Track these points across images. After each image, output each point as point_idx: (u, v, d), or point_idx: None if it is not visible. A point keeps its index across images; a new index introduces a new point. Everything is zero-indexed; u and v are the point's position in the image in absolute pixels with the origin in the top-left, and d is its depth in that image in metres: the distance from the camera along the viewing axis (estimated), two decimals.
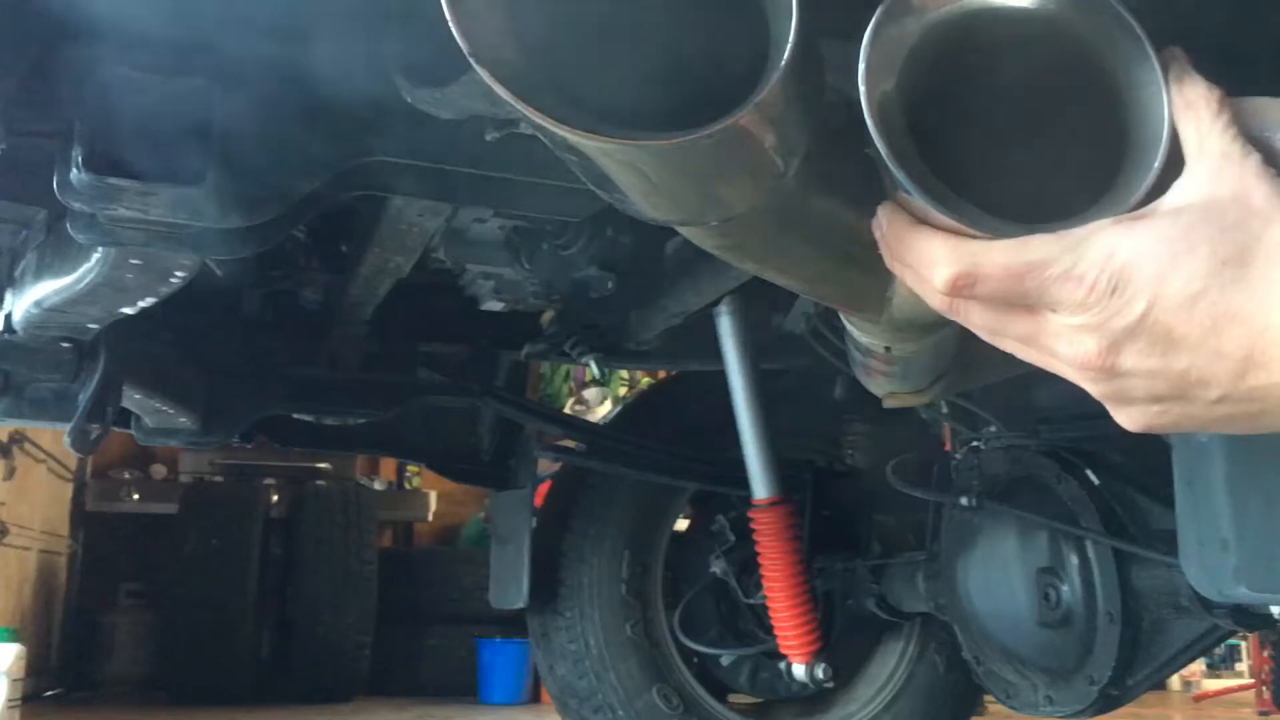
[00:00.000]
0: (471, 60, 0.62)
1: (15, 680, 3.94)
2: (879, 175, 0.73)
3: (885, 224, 0.70)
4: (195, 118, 1.11)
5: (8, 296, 1.58)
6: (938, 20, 0.67)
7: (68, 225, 1.17)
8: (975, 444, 2.04)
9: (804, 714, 2.77)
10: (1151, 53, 0.67)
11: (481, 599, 3.03)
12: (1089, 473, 1.75)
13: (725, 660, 2.69)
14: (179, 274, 1.31)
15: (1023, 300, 0.65)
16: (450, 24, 0.63)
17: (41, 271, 1.43)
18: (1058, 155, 0.74)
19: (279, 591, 5.72)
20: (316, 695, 5.48)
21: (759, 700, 2.81)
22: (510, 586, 2.51)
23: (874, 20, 0.66)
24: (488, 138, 1.22)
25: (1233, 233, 0.61)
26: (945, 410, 2.19)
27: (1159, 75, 0.67)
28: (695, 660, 2.67)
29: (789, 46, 0.64)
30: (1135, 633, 1.68)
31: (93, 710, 5.43)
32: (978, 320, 0.68)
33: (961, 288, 0.66)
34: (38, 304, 1.45)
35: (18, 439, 5.07)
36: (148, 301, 1.39)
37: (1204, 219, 0.62)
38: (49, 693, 5.76)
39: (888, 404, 1.45)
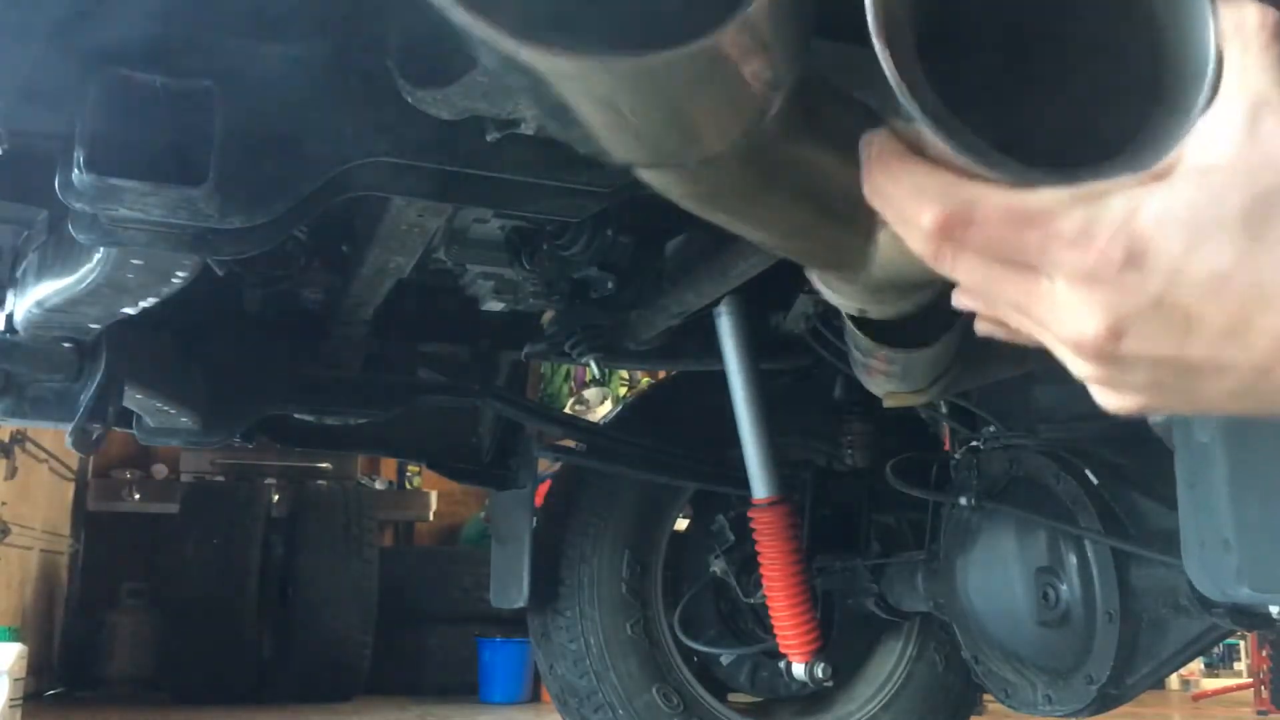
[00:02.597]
0: None
1: (16, 679, 3.95)
2: (875, 109, 0.64)
3: (874, 151, 0.60)
4: (196, 118, 1.11)
5: (9, 296, 1.59)
6: None
7: (69, 225, 1.17)
8: (975, 444, 2.04)
9: (803, 713, 2.78)
10: None
11: (482, 598, 3.03)
12: (1088, 472, 1.75)
13: (725, 659, 2.69)
14: (180, 274, 1.32)
15: (1021, 256, 0.56)
16: None
17: (43, 272, 1.43)
18: (1087, 90, 0.64)
19: (279, 591, 5.72)
20: (316, 695, 5.48)
21: (758, 699, 2.82)
22: (510, 586, 2.52)
23: None
24: (488, 138, 1.23)
25: (1269, 202, 0.51)
26: (945, 410, 2.19)
27: (1205, 1, 0.56)
28: (695, 659, 2.68)
29: None
30: (1134, 632, 1.68)
31: (94, 709, 5.43)
32: (965, 275, 0.59)
33: (952, 229, 0.56)
34: (39, 304, 1.45)
35: (19, 439, 5.08)
36: (149, 301, 1.39)
37: (1237, 182, 0.52)
38: (50, 692, 5.77)
39: (887, 404, 1.45)
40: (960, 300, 0.62)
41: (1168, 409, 0.59)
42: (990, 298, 0.59)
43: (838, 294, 0.95)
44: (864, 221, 0.69)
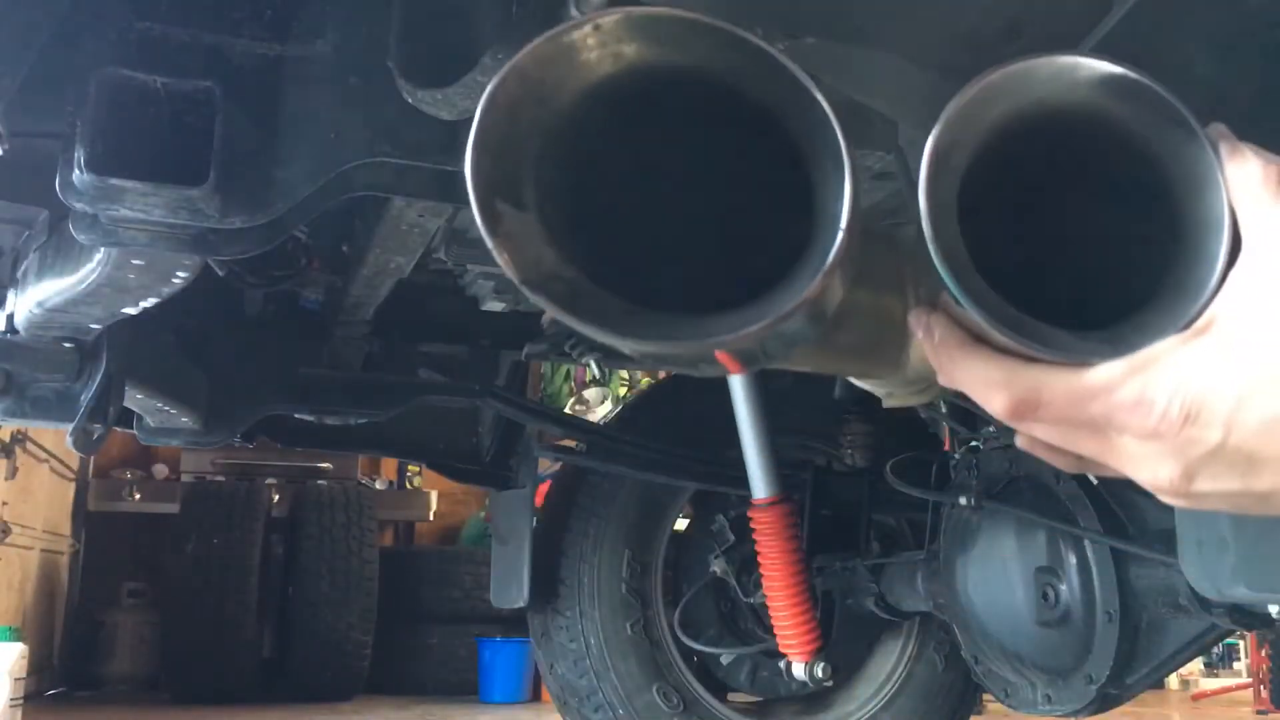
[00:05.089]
0: (524, 289, 0.63)
1: (17, 679, 3.94)
2: (920, 277, 0.73)
3: (937, 339, 0.67)
4: (196, 118, 1.11)
5: (10, 297, 1.59)
6: (992, 128, 0.64)
7: (70, 226, 1.17)
8: (974, 444, 2.04)
9: (803, 713, 2.78)
10: (1200, 134, 0.62)
11: (482, 598, 3.04)
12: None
13: (725, 659, 2.69)
14: (180, 274, 1.32)
15: (1089, 424, 0.62)
16: (495, 254, 0.63)
17: (44, 272, 1.44)
18: (1116, 252, 0.70)
19: (280, 591, 5.73)
20: (317, 695, 5.48)
21: (758, 699, 2.82)
22: (511, 585, 2.52)
23: (929, 152, 0.63)
24: None
25: None
26: (945, 410, 2.19)
27: (1211, 159, 0.62)
28: (695, 659, 2.68)
29: (846, 206, 0.62)
30: (1133, 632, 1.68)
31: (94, 709, 5.43)
32: (1042, 435, 0.65)
33: (1023, 413, 0.63)
34: (40, 304, 1.45)
35: (20, 439, 5.07)
36: (150, 301, 1.39)
37: (1271, 328, 0.56)
38: (51, 692, 5.77)
39: (887, 404, 1.45)
40: (1029, 445, 0.68)
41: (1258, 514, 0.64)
42: (1067, 450, 0.65)
43: (872, 385, 1.01)
44: (897, 339, 0.75)
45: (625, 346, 0.65)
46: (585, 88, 0.64)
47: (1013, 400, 0.63)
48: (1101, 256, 0.70)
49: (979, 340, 0.65)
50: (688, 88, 0.66)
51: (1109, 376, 0.60)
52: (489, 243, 0.63)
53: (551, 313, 0.63)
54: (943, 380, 0.69)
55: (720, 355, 0.68)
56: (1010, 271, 0.64)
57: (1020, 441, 0.69)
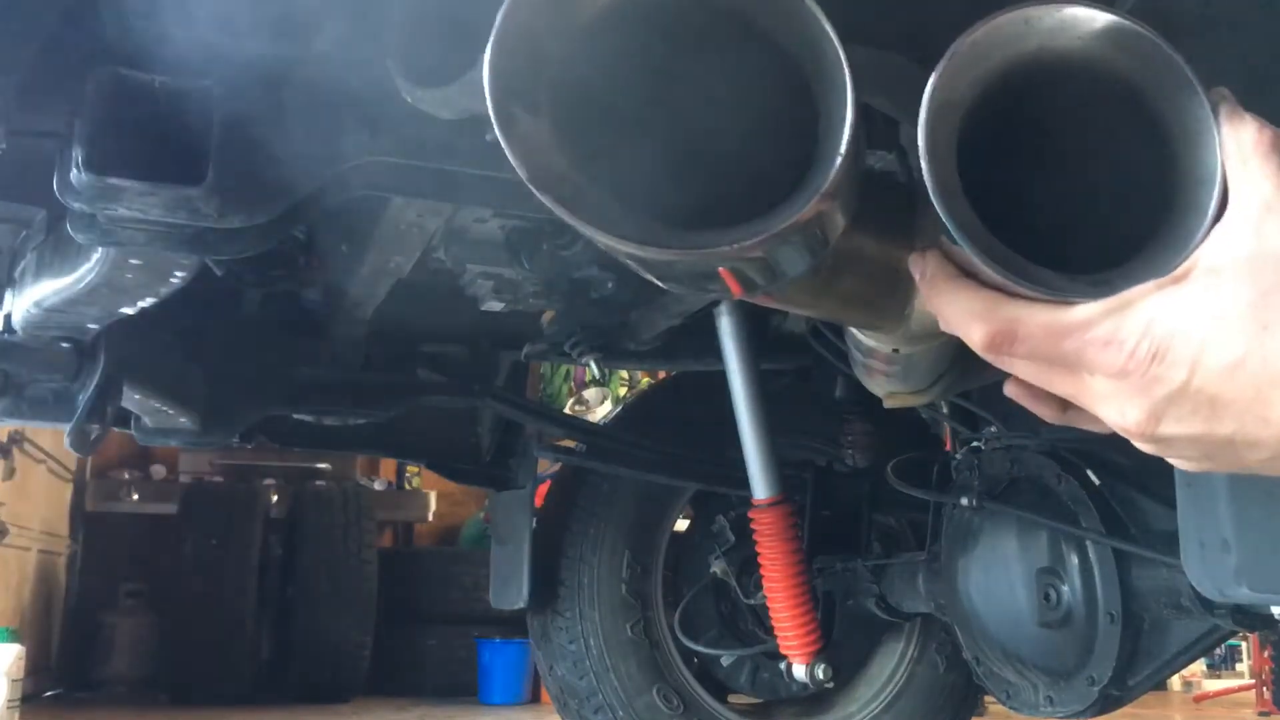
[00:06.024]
0: (532, 188, 0.65)
1: (15, 680, 3.94)
2: (920, 218, 0.74)
3: (927, 274, 0.71)
4: (196, 118, 1.11)
5: (7, 296, 1.58)
6: (995, 70, 0.67)
7: (67, 225, 1.17)
8: (975, 444, 2.04)
9: (804, 714, 2.77)
10: (1201, 92, 0.65)
11: (481, 599, 3.03)
12: (1089, 473, 1.75)
13: (725, 660, 2.69)
14: (178, 274, 1.31)
15: (1062, 361, 0.65)
16: (508, 154, 0.65)
17: (41, 272, 1.43)
18: (1109, 202, 0.72)
19: (279, 592, 5.72)
20: (316, 695, 5.48)
21: (759, 700, 2.81)
22: (510, 586, 2.51)
23: (931, 87, 0.66)
24: (488, 138, 1.22)
25: (1275, 295, 0.59)
26: (945, 410, 2.19)
27: (1209, 116, 0.64)
28: (695, 660, 2.67)
29: (847, 130, 0.65)
30: (1136, 633, 1.68)
31: (92, 710, 5.43)
32: (1021, 371, 0.69)
33: (999, 346, 0.66)
34: (37, 304, 1.45)
35: (17, 439, 5.07)
36: (147, 301, 1.39)
37: (1244, 279, 0.60)
38: (49, 693, 5.76)
39: (888, 404, 1.45)
40: (1015, 391, 0.73)
41: (1227, 470, 0.67)
42: (1045, 390, 0.70)
43: (874, 340, 1.02)
44: (903, 289, 0.77)
45: (625, 250, 0.67)
46: (605, 2, 0.68)
47: (991, 331, 0.66)
48: (1095, 205, 0.73)
49: (968, 275, 0.68)
50: (703, 10, 0.69)
51: (1085, 315, 0.63)
52: (503, 143, 0.65)
53: (557, 212, 0.65)
54: (935, 311, 0.72)
55: (723, 272, 0.71)
56: (1004, 212, 0.67)
57: (1008, 388, 0.73)
